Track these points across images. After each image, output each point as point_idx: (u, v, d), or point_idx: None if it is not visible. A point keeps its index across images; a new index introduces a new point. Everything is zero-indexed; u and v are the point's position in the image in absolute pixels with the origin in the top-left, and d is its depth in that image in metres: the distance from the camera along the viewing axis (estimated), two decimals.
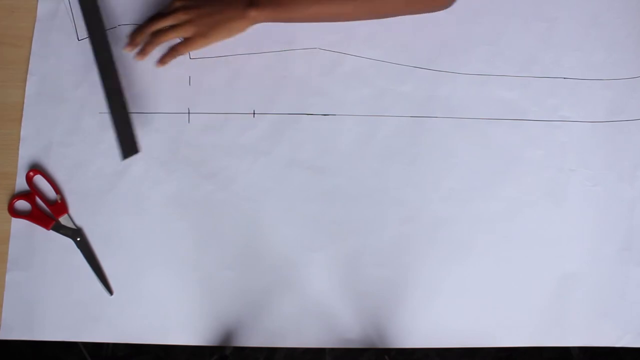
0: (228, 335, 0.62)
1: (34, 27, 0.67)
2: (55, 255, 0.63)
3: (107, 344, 1.08)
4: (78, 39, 0.67)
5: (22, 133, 0.65)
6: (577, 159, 0.66)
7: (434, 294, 0.63)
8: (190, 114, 0.65)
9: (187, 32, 0.62)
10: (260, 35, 0.67)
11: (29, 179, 0.63)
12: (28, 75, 0.66)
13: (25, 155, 0.64)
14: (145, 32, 0.63)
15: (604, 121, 0.66)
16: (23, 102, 0.65)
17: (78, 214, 0.63)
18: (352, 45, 0.67)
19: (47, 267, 0.62)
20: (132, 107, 0.65)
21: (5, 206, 0.64)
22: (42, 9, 0.67)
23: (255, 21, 0.63)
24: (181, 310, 0.62)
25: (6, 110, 0.65)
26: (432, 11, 0.65)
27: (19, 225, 0.63)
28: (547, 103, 0.67)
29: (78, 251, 0.62)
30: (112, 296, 0.62)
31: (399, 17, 0.66)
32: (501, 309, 0.63)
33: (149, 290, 0.62)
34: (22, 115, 0.65)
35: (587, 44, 0.68)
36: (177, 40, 0.63)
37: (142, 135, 0.65)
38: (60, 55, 0.66)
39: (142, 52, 0.63)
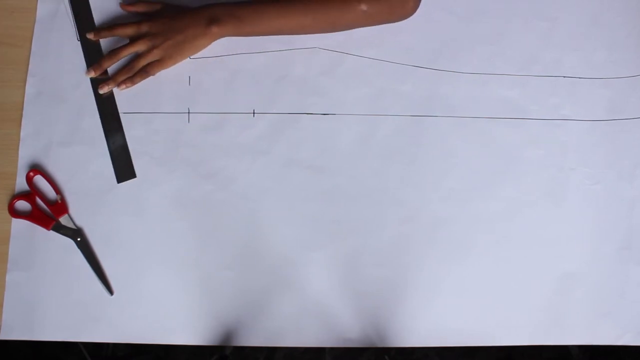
0: (228, 335, 0.62)
1: (33, 27, 0.67)
2: (56, 256, 0.63)
3: (107, 344, 1.09)
4: (78, 39, 0.67)
5: (22, 133, 0.65)
6: (577, 157, 0.66)
7: (433, 294, 0.63)
8: (190, 114, 0.65)
9: (155, 56, 0.64)
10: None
11: (29, 179, 0.63)
12: (28, 76, 0.66)
13: (25, 155, 0.64)
14: (112, 59, 0.65)
15: (604, 120, 0.66)
16: (23, 102, 0.65)
17: (78, 214, 0.64)
18: (352, 44, 0.67)
19: (48, 268, 0.62)
20: (131, 107, 0.65)
21: (5, 206, 0.64)
22: (41, 10, 0.67)
23: (219, 36, 0.64)
24: (181, 310, 0.62)
25: (6, 110, 0.65)
26: (392, 22, 0.66)
27: (19, 225, 0.63)
28: (548, 102, 0.67)
29: (78, 251, 0.62)
30: (112, 296, 0.62)
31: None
32: (501, 308, 0.63)
33: (149, 290, 0.62)
34: (22, 115, 0.65)
35: (588, 43, 0.68)
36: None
37: (142, 135, 0.65)
38: (60, 55, 0.66)
39: (114, 80, 0.65)
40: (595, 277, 0.63)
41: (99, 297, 0.62)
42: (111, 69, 0.66)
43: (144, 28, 0.64)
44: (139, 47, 0.64)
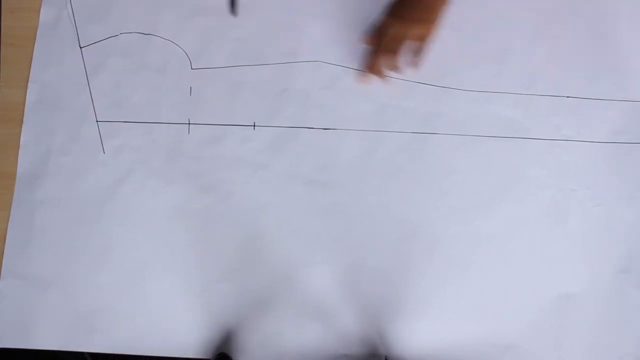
0: (226, 347, 0.61)
1: (36, 28, 0.67)
2: (51, 264, 0.62)
3: None
4: (80, 46, 0.66)
5: (21, 140, 0.64)
6: (578, 179, 0.65)
7: (431, 312, 0.62)
8: (190, 125, 0.65)
9: (418, 44, 0.60)
10: (263, 47, 0.67)
11: None
12: (29, 83, 0.65)
13: (24, 163, 0.64)
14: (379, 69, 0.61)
15: (606, 142, 0.66)
16: (24, 102, 0.65)
17: (75, 222, 0.63)
18: (355, 59, 0.67)
19: (43, 276, 0.62)
20: (131, 116, 0.65)
21: (6, 206, 0.63)
22: (44, 16, 0.67)
23: None
24: (178, 322, 0.61)
25: (7, 110, 0.65)
26: None
27: (15, 231, 0.63)
28: (550, 122, 0.66)
29: (77, 258, 0.62)
30: (108, 306, 0.61)
31: None
32: (498, 328, 0.62)
33: (146, 301, 0.62)
34: (22, 115, 0.65)
35: (592, 64, 0.68)
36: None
37: (142, 144, 0.64)
38: (61, 63, 0.66)
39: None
40: (594, 300, 0.63)
41: (95, 307, 0.61)
42: None
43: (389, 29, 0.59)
44: (393, 46, 0.59)
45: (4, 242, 0.63)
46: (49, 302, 0.62)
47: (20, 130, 0.65)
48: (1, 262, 0.62)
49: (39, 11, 0.67)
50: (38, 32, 0.66)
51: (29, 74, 0.66)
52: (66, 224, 0.63)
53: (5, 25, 0.67)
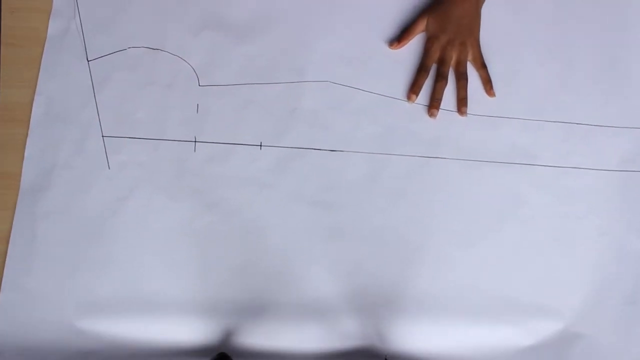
0: (226, 347, 0.61)
1: (36, 28, 0.66)
2: (53, 278, 0.62)
3: None
4: (87, 59, 0.66)
5: (25, 153, 0.64)
6: (586, 207, 0.65)
7: (433, 335, 0.62)
8: (196, 143, 0.64)
9: (465, 54, 0.67)
10: (271, 65, 0.66)
11: None
12: (35, 95, 0.65)
13: (27, 176, 0.64)
14: (427, 73, 0.67)
15: (615, 170, 0.65)
16: (29, 103, 0.65)
17: (77, 238, 0.63)
18: (363, 79, 0.66)
19: (44, 290, 0.61)
20: (136, 132, 0.65)
21: (11, 206, 0.63)
22: (53, 27, 0.67)
23: None
24: (177, 340, 0.61)
25: (12, 110, 0.65)
26: None
27: (17, 244, 0.62)
28: (559, 148, 0.66)
29: (79, 272, 0.61)
30: (109, 321, 0.61)
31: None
32: (500, 354, 0.62)
33: (145, 318, 0.61)
34: (22, 115, 0.64)
35: (603, 89, 0.67)
36: None
37: (147, 161, 0.64)
38: (68, 75, 0.66)
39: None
40: (598, 331, 0.62)
41: (93, 324, 0.61)
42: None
43: (435, 45, 0.66)
44: (447, 52, 0.66)
45: (6, 244, 0.62)
46: (49, 318, 0.61)
47: (20, 130, 0.64)
48: (2, 273, 0.62)
49: (40, 11, 0.67)
50: (46, 44, 0.66)
51: (29, 74, 0.65)
52: (69, 238, 0.63)
53: (5, 25, 0.67)
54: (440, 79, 0.66)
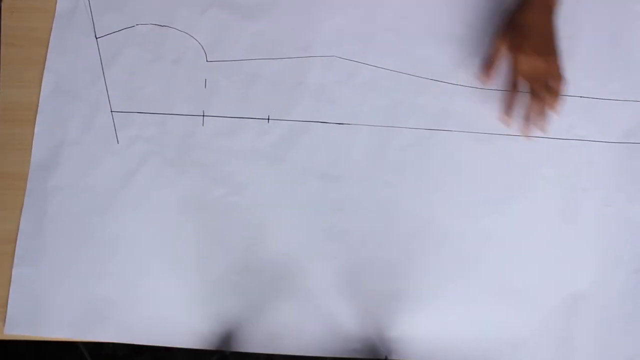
0: (228, 338, 0.61)
1: (50, 29, 0.67)
2: (63, 253, 0.62)
3: (108, 344, 1.08)
4: (96, 36, 0.67)
5: (35, 130, 0.64)
6: (590, 178, 0.65)
7: (440, 308, 0.62)
8: (204, 117, 0.65)
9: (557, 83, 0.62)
10: (278, 41, 0.67)
11: None
12: (45, 72, 0.65)
13: (37, 152, 0.64)
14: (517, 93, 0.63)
15: (619, 142, 0.66)
16: (36, 103, 0.65)
17: (87, 212, 0.63)
18: (370, 55, 0.67)
19: (55, 265, 0.62)
20: (145, 107, 0.65)
21: (7, 206, 0.63)
22: (61, 6, 0.67)
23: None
24: (183, 312, 0.62)
25: (19, 111, 0.65)
26: None
27: (28, 220, 0.63)
28: (563, 121, 0.66)
29: (85, 248, 0.62)
30: (117, 296, 0.61)
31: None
32: (508, 325, 0.62)
33: (153, 291, 0.62)
34: (34, 116, 0.65)
35: (606, 64, 0.68)
36: None
37: (155, 134, 0.64)
38: (77, 52, 0.66)
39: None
40: (606, 299, 0.63)
41: (103, 297, 0.62)
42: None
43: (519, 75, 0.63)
44: (533, 67, 0.62)
45: (10, 244, 0.63)
46: (60, 291, 0.62)
47: (21, 130, 0.65)
48: (9, 273, 0.63)
49: (40, 11, 0.67)
50: (54, 22, 0.67)
51: (29, 74, 0.66)
52: (79, 213, 0.63)
53: (5, 25, 0.67)
54: (534, 97, 0.62)
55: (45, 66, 0.66)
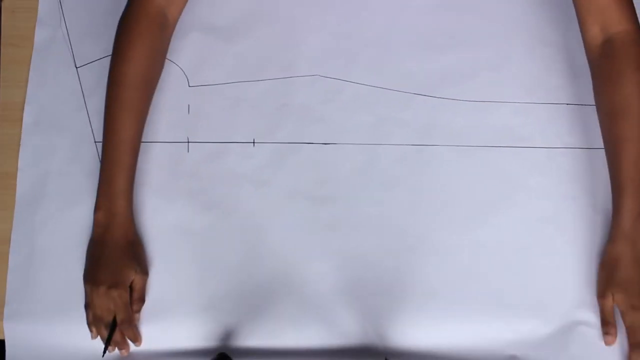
0: (226, 347, 0.61)
1: (34, 27, 0.67)
2: (55, 286, 0.62)
3: None
4: (76, 66, 0.66)
5: (19, 164, 0.64)
6: (580, 186, 0.65)
7: (434, 325, 0.62)
8: (189, 143, 0.65)
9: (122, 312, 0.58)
10: (260, 62, 0.66)
11: None
12: (25, 105, 0.65)
13: (23, 185, 0.64)
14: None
15: None
16: (23, 102, 0.65)
17: (76, 244, 0.63)
18: (353, 72, 0.66)
19: (46, 301, 0.62)
20: None
21: (7, 206, 0.63)
22: (39, 37, 0.67)
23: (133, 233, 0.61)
24: (178, 327, 0.61)
25: (7, 110, 0.66)
26: None
27: (17, 256, 0.62)
28: (551, 130, 0.66)
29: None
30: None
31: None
32: (500, 336, 0.62)
33: (147, 315, 0.61)
34: (21, 115, 0.65)
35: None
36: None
37: (141, 164, 0.64)
38: (58, 83, 0.66)
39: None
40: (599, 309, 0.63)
41: None
42: None
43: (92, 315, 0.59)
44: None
45: (6, 244, 0.63)
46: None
47: (20, 131, 0.65)
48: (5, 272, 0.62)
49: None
50: (33, 53, 0.66)
51: (27, 74, 0.66)
52: (67, 246, 0.63)
53: (5, 25, 0.67)
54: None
55: (26, 99, 0.65)
